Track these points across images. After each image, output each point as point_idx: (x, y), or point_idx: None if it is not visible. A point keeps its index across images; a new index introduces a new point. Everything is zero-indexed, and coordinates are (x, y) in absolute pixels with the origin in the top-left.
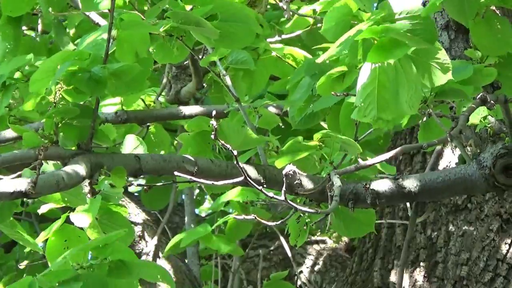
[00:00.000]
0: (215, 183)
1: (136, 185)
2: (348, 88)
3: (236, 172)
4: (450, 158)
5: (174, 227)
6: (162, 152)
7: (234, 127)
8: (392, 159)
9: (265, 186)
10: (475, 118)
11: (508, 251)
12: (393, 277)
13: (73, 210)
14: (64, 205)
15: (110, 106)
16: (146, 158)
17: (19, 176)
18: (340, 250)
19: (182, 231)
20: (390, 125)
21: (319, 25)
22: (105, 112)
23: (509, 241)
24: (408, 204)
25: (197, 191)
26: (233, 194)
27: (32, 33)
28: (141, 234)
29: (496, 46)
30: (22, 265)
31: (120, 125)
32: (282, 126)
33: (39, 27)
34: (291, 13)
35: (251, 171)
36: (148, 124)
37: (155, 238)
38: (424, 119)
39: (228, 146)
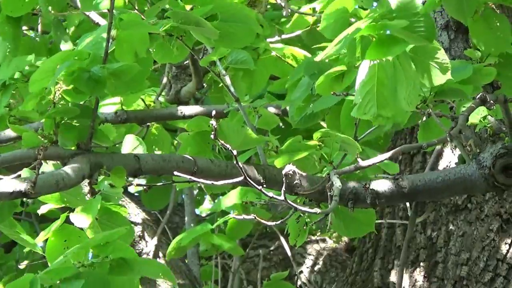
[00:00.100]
0: (215, 183)
1: (136, 185)
2: (347, 87)
3: (235, 172)
4: (450, 158)
5: (174, 227)
6: (160, 152)
7: (234, 127)
8: (392, 159)
9: (264, 186)
10: (475, 118)
11: (508, 251)
12: (393, 277)
13: (72, 210)
14: (63, 205)
15: (109, 106)
16: (146, 158)
17: (19, 176)
18: (340, 250)
19: (182, 231)
20: (390, 122)
21: (319, 24)
22: (104, 112)
23: (509, 241)
24: (408, 204)
25: (197, 191)
26: (234, 197)
27: (32, 33)
28: (141, 234)
29: (495, 43)
30: (22, 265)
31: (120, 125)
32: (282, 126)
33: (39, 27)
34: (289, 11)
35: (251, 171)
36: (148, 124)
37: (155, 238)
38: (424, 119)
39: (228, 146)
